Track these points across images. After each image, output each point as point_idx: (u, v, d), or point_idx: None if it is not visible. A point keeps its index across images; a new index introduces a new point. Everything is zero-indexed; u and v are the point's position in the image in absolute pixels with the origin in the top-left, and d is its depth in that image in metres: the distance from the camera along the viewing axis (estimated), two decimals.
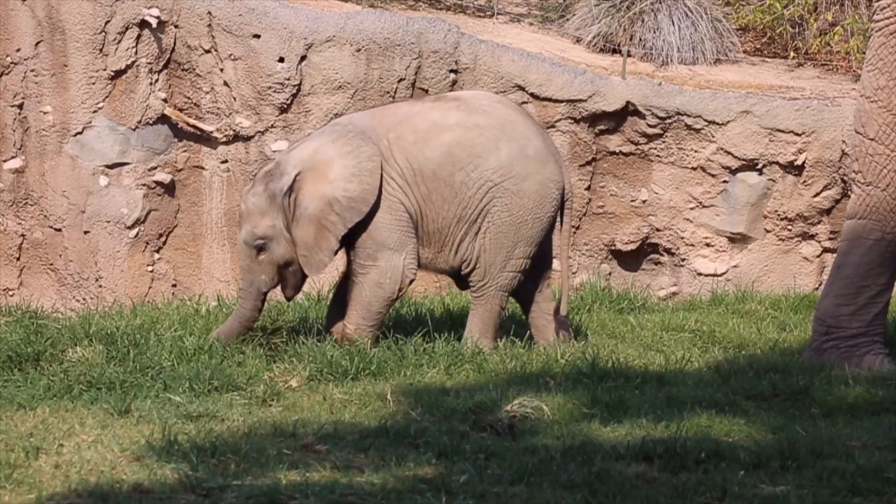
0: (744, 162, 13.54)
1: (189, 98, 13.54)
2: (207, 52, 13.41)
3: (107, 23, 13.29)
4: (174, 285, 13.58)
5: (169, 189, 13.58)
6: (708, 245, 13.77)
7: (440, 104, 9.62)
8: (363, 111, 9.81)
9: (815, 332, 9.65)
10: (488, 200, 9.47)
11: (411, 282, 9.53)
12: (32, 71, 13.35)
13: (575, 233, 13.71)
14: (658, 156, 13.69)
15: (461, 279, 9.80)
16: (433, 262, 9.67)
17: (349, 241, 9.50)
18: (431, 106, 9.61)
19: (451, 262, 9.62)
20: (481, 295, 9.62)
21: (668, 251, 13.86)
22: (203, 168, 13.66)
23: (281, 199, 9.37)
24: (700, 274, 13.79)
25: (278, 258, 9.45)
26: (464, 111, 9.53)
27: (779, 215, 13.62)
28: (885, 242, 9.48)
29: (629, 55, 14.32)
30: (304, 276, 9.65)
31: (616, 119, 13.62)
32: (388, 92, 13.38)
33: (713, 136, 13.53)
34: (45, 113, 13.38)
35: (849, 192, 13.47)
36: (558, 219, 9.79)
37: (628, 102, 13.55)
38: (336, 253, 9.53)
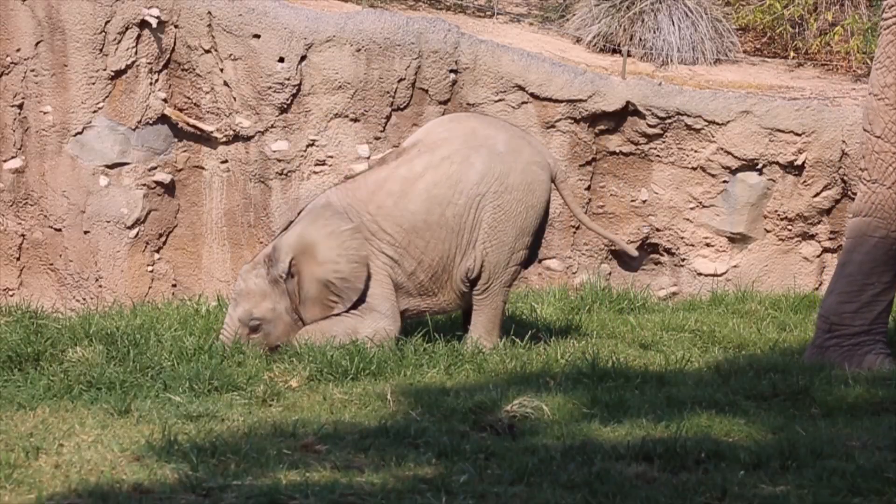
0: (744, 162, 13.54)
1: (189, 98, 13.54)
2: (207, 52, 13.41)
3: (107, 23, 13.29)
4: (174, 285, 13.58)
5: (169, 189, 13.58)
6: (708, 245, 13.77)
7: (403, 159, 9.67)
8: (336, 188, 9.76)
9: (819, 329, 9.65)
10: (480, 212, 9.56)
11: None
12: (32, 71, 13.35)
13: (575, 232, 13.71)
14: (658, 156, 13.69)
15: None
16: (441, 304, 9.80)
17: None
18: (396, 164, 9.64)
19: (457, 291, 9.71)
20: (486, 296, 9.69)
21: (668, 251, 13.86)
22: (203, 168, 13.66)
23: (285, 284, 9.45)
24: (700, 274, 13.79)
25: (273, 341, 9.46)
26: (426, 153, 9.62)
27: (779, 215, 13.62)
28: (890, 240, 9.48)
29: (629, 55, 14.32)
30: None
31: (616, 119, 13.62)
32: (388, 92, 13.38)
33: (713, 136, 13.53)
34: (45, 113, 13.37)
35: (849, 192, 13.49)
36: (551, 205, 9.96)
37: (628, 102, 13.55)
38: None
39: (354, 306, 9.49)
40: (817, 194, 13.56)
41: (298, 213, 9.79)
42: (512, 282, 9.82)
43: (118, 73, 13.37)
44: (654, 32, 14.72)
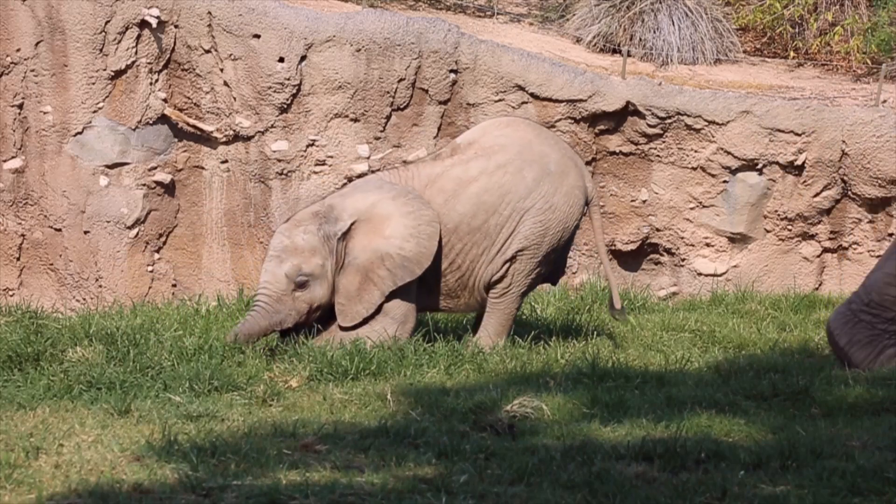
0: (744, 162, 13.54)
1: (189, 98, 13.54)
2: (207, 52, 13.41)
3: (107, 23, 13.29)
4: (174, 285, 13.58)
5: (169, 189, 13.58)
6: (708, 245, 13.77)
7: (459, 157, 9.69)
8: (390, 173, 9.74)
9: (857, 297, 9.49)
10: (520, 225, 9.60)
11: None
12: (32, 71, 13.35)
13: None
14: (658, 156, 13.69)
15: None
16: (460, 306, 9.83)
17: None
18: (452, 162, 9.67)
19: (477, 295, 9.75)
20: (501, 300, 9.73)
21: (668, 251, 13.86)
22: (203, 168, 13.66)
23: (336, 243, 9.36)
24: (700, 274, 13.79)
25: (317, 299, 9.38)
26: (483, 157, 9.65)
27: (779, 215, 13.62)
28: None
29: (629, 55, 14.32)
30: (322, 324, 9.53)
31: (616, 119, 13.62)
32: (388, 92, 13.38)
33: (713, 136, 13.53)
34: (45, 113, 13.37)
35: (849, 192, 13.51)
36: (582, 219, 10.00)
37: (628, 102, 13.55)
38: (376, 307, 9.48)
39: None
40: (817, 194, 13.56)
41: (345, 185, 9.74)
42: (528, 292, 9.88)
43: (118, 73, 13.37)
44: (654, 32, 14.72)
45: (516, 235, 9.63)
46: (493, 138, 9.79)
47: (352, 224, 9.38)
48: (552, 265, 9.88)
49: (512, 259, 9.64)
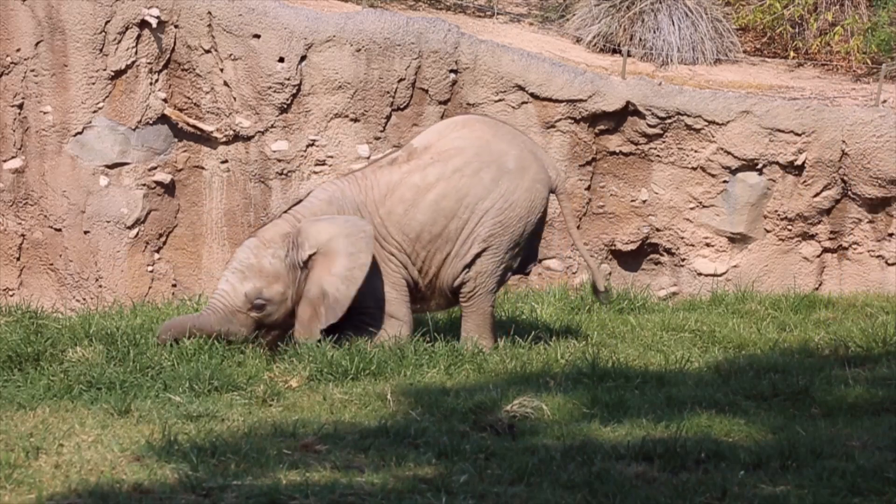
0: (744, 162, 13.54)
1: (189, 98, 13.54)
2: (207, 52, 13.41)
3: (107, 23, 13.29)
4: (174, 285, 13.57)
5: (169, 189, 13.58)
6: (708, 245, 13.77)
7: (416, 163, 9.62)
8: (349, 182, 9.69)
9: None
10: (480, 227, 9.57)
11: None
12: (32, 71, 13.35)
13: None
14: (658, 156, 13.69)
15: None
16: (431, 307, 9.86)
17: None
18: (409, 168, 9.59)
19: (445, 295, 9.76)
20: (472, 302, 9.69)
21: (668, 251, 13.86)
22: (203, 168, 13.66)
23: (298, 273, 9.35)
24: (700, 274, 13.79)
25: (269, 322, 9.37)
26: (439, 162, 9.59)
27: (779, 215, 13.62)
28: None
29: (629, 55, 14.32)
30: (281, 337, 9.56)
31: (616, 119, 13.62)
32: (388, 92, 13.38)
33: (713, 136, 13.53)
34: (45, 113, 13.37)
35: (849, 192, 13.51)
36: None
37: (628, 102, 13.55)
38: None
39: (365, 319, 9.46)
40: (817, 194, 13.56)
41: (309, 194, 9.70)
42: (498, 288, 9.83)
43: (118, 73, 13.37)
44: (654, 32, 14.72)
45: (476, 238, 9.59)
46: (449, 141, 9.73)
47: (311, 255, 9.34)
48: (520, 257, 9.81)
49: (473, 262, 9.62)
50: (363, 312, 9.49)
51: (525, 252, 9.84)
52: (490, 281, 9.67)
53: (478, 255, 9.60)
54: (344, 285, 9.36)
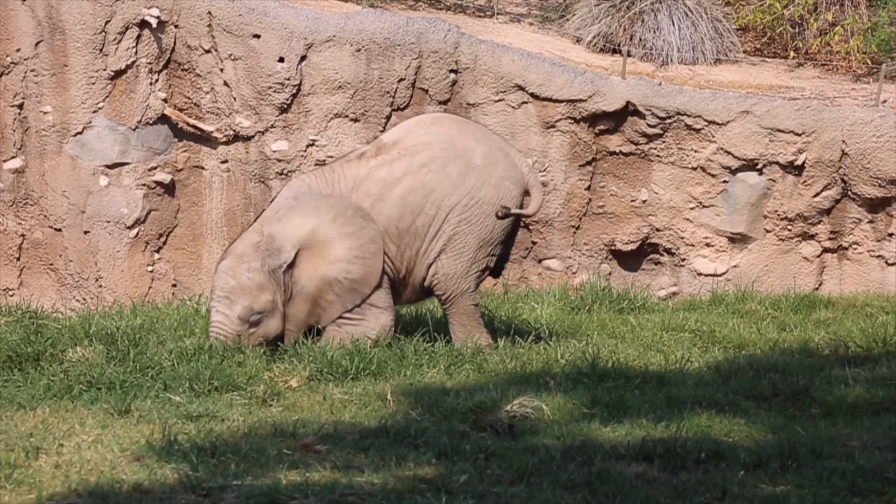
0: (744, 162, 13.54)
1: (189, 98, 13.54)
2: (207, 52, 13.41)
3: (107, 23, 13.29)
4: (174, 285, 13.58)
5: (169, 189, 13.58)
6: (708, 245, 13.77)
7: (383, 157, 9.58)
8: (316, 176, 9.64)
9: None
10: (446, 224, 9.53)
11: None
12: (32, 71, 13.35)
13: (575, 233, 13.72)
14: (658, 156, 13.69)
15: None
16: (405, 299, 9.79)
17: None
18: (376, 163, 9.55)
19: (417, 290, 9.72)
20: (451, 304, 9.65)
21: (668, 251, 13.86)
22: (203, 168, 13.66)
23: (282, 275, 9.29)
24: (700, 274, 13.79)
25: (271, 332, 9.33)
26: (406, 157, 9.55)
27: (779, 215, 13.62)
28: None
29: (629, 55, 14.32)
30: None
31: (616, 119, 13.63)
32: (388, 92, 13.38)
33: (713, 136, 13.53)
34: (45, 113, 13.38)
35: (849, 192, 13.51)
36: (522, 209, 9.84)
37: (628, 102, 13.55)
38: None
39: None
40: (817, 194, 13.56)
41: (272, 201, 9.67)
42: (477, 286, 9.73)
43: (118, 73, 13.37)
44: (654, 32, 14.72)
45: (442, 234, 9.56)
46: (417, 136, 9.69)
47: (296, 254, 9.31)
48: (495, 256, 9.72)
49: (437, 259, 9.58)
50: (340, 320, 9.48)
51: (501, 254, 9.80)
52: (462, 282, 9.60)
53: (442, 252, 9.54)
54: (355, 265, 9.33)
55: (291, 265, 9.32)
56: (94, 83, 13.34)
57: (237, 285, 9.26)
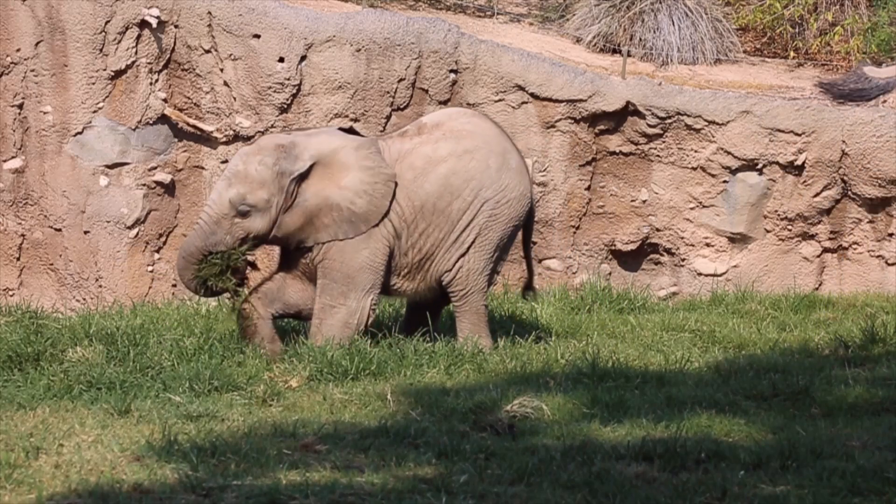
0: (744, 162, 13.54)
1: (189, 98, 13.54)
2: (207, 52, 13.41)
3: (107, 23, 13.29)
4: (174, 285, 13.57)
5: (169, 189, 13.58)
6: (708, 245, 13.77)
7: (427, 136, 9.64)
8: (338, 132, 9.72)
9: None
10: (479, 216, 9.57)
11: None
12: (32, 71, 13.34)
13: (575, 233, 13.72)
14: (658, 156, 13.69)
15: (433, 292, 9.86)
16: (414, 290, 9.72)
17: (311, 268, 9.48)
18: (420, 141, 9.61)
19: (430, 282, 9.68)
20: (465, 301, 9.68)
21: (668, 251, 13.86)
22: (203, 168, 13.65)
23: (288, 181, 9.30)
24: (700, 274, 13.79)
25: (254, 231, 9.32)
26: (451, 139, 9.62)
27: (779, 215, 13.62)
28: None
29: (629, 55, 14.32)
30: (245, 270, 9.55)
31: (616, 119, 13.62)
32: (388, 92, 13.38)
33: (713, 136, 13.53)
34: (45, 113, 13.37)
35: (849, 192, 13.50)
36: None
37: (628, 102, 13.55)
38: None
39: (327, 291, 9.34)
40: (817, 194, 13.56)
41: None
42: (490, 287, 9.83)
43: (118, 73, 13.37)
44: (654, 32, 14.72)
45: (473, 227, 9.60)
46: (460, 123, 9.76)
47: (311, 165, 9.33)
48: (503, 261, 9.87)
49: (467, 256, 9.59)
50: (325, 290, 9.40)
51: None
52: (480, 280, 9.65)
53: (471, 246, 9.58)
54: (362, 199, 9.34)
55: (303, 177, 9.32)
56: (94, 83, 13.34)
57: (242, 171, 9.32)
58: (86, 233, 13.39)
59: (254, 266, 9.60)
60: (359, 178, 9.36)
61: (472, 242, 9.60)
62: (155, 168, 13.53)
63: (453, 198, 9.54)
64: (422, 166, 9.50)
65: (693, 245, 13.79)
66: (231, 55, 13.32)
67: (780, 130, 13.44)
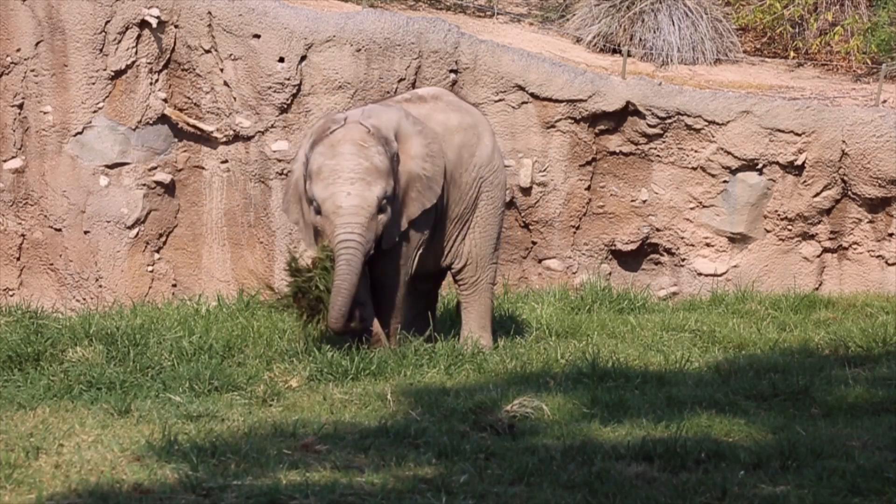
0: (744, 162, 13.54)
1: (189, 98, 13.54)
2: (207, 52, 13.41)
3: (107, 23, 13.29)
4: (174, 285, 13.58)
5: (169, 189, 13.58)
6: (708, 245, 13.77)
7: (433, 105, 9.48)
8: (376, 105, 9.42)
9: None
10: (478, 195, 9.55)
11: None
12: (32, 71, 13.35)
13: (575, 233, 13.72)
14: (658, 156, 13.69)
15: (438, 278, 9.82)
16: (427, 264, 9.55)
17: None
18: (430, 108, 9.46)
19: (441, 263, 9.63)
20: (474, 290, 9.65)
21: (668, 251, 13.86)
22: (203, 168, 13.66)
23: (395, 164, 8.97)
24: (700, 274, 13.79)
25: (383, 225, 8.84)
26: (456, 111, 9.55)
27: (779, 215, 13.63)
28: None
29: (629, 55, 14.32)
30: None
31: (616, 119, 13.62)
32: (388, 92, 13.38)
33: (713, 136, 13.53)
34: (45, 113, 13.37)
35: (849, 192, 13.50)
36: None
37: (628, 102, 13.55)
38: None
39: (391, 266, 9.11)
40: (817, 194, 13.56)
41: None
42: (495, 280, 9.81)
43: (118, 73, 13.37)
44: (654, 32, 14.73)
45: (476, 208, 9.51)
46: (452, 98, 9.72)
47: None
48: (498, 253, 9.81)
49: (473, 241, 9.51)
50: (384, 282, 9.13)
51: None
52: (489, 270, 9.62)
53: (476, 225, 9.52)
54: (428, 163, 9.10)
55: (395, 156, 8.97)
56: (94, 83, 13.34)
57: (371, 166, 8.74)
58: (86, 233, 13.39)
59: None
60: (419, 142, 9.13)
61: (476, 223, 9.54)
62: (155, 168, 13.53)
63: (462, 170, 9.43)
64: (441, 133, 9.34)
65: (693, 245, 13.79)
66: (231, 55, 13.33)
67: (780, 130, 13.45)
